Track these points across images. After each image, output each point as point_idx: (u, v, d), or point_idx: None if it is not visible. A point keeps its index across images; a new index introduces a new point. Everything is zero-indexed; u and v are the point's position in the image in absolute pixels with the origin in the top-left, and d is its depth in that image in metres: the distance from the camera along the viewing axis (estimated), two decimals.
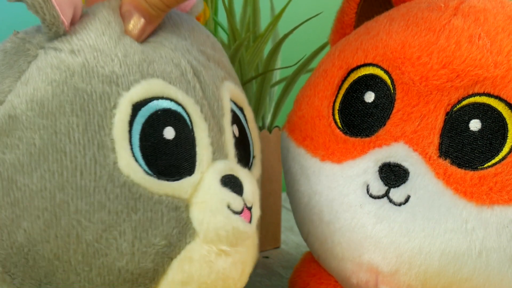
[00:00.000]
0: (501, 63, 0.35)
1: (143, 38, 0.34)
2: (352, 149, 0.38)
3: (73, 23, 0.32)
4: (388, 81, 0.38)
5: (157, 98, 0.32)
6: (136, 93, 0.31)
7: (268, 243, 0.60)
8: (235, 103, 0.38)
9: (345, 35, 0.43)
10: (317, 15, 0.53)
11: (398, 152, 0.37)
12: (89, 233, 0.31)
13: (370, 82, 0.38)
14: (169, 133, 0.32)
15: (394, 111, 0.37)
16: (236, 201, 0.34)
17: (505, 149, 0.35)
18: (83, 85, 0.31)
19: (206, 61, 0.36)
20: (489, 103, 0.35)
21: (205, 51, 0.37)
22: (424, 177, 0.36)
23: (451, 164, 0.36)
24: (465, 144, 0.35)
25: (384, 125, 0.37)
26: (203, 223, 0.33)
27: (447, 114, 0.36)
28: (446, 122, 0.36)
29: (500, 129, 0.35)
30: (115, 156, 0.31)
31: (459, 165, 0.36)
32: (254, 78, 0.55)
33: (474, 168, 0.35)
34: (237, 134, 0.37)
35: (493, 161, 0.35)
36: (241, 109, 0.39)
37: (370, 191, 0.37)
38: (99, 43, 0.31)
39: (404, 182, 0.36)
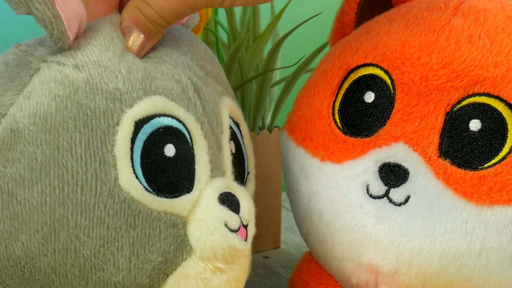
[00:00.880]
0: (501, 63, 0.35)
1: (143, 54, 0.34)
2: (352, 149, 0.38)
3: (76, 38, 0.32)
4: (388, 81, 0.38)
5: (159, 115, 0.32)
6: (140, 110, 0.31)
7: (268, 243, 0.60)
8: (232, 119, 0.38)
9: (345, 35, 0.43)
10: (317, 15, 0.53)
11: (398, 152, 0.37)
12: (87, 248, 0.31)
13: (370, 82, 0.38)
14: (169, 150, 0.32)
15: (394, 111, 0.37)
16: (233, 220, 0.34)
17: (505, 149, 0.35)
18: (87, 101, 0.30)
19: (206, 77, 0.36)
20: (489, 103, 0.35)
21: (204, 66, 0.37)
22: (424, 177, 0.36)
23: (451, 164, 0.36)
24: (465, 144, 0.35)
25: (384, 125, 0.37)
26: (200, 241, 0.33)
27: (447, 114, 0.36)
28: (446, 122, 0.36)
29: (500, 129, 0.35)
30: (116, 172, 0.31)
31: (459, 165, 0.36)
32: (254, 78, 0.55)
33: (474, 168, 0.35)
34: (233, 150, 0.37)
35: (493, 161, 0.35)
36: (237, 125, 0.39)
37: (370, 191, 0.37)
38: (103, 59, 0.31)
39: (404, 182, 0.36)
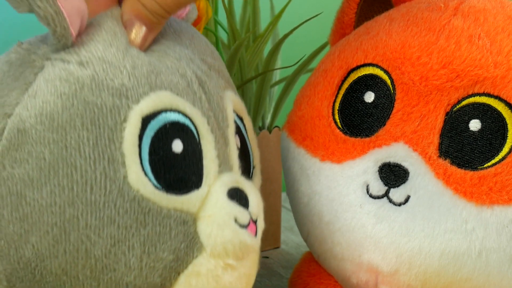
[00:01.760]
0: (501, 63, 0.35)
1: (146, 46, 0.33)
2: (352, 149, 0.38)
3: (79, 34, 0.31)
4: (388, 81, 0.38)
5: (166, 110, 0.32)
6: (146, 106, 0.31)
7: (268, 243, 0.60)
8: (235, 113, 0.38)
9: (345, 35, 0.43)
10: (317, 15, 0.53)
11: (398, 152, 0.37)
12: (98, 248, 0.30)
13: (370, 82, 0.38)
14: (177, 146, 0.32)
15: (394, 111, 0.37)
16: (243, 215, 0.33)
17: (505, 149, 0.35)
18: (93, 98, 0.30)
19: (208, 71, 0.36)
20: (489, 103, 0.35)
21: (206, 60, 0.36)
22: (424, 177, 0.36)
23: (451, 164, 0.36)
24: (465, 144, 0.35)
25: (384, 125, 0.37)
26: (211, 237, 0.32)
27: (447, 114, 0.36)
28: (446, 122, 0.36)
29: (500, 129, 0.35)
30: (125, 170, 0.30)
31: (459, 165, 0.36)
32: (254, 78, 0.55)
33: (474, 168, 0.35)
34: (239, 145, 0.37)
35: (493, 161, 0.35)
36: (241, 119, 0.38)
37: (370, 191, 0.37)
38: (107, 54, 0.31)
39: (404, 182, 0.36)
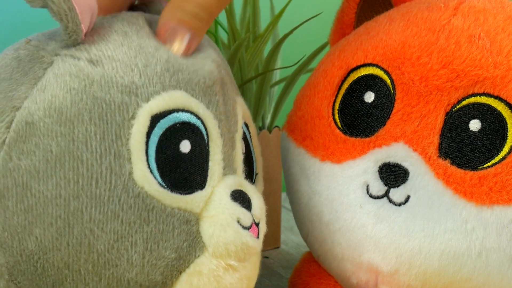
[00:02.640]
0: (501, 63, 0.35)
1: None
2: (352, 149, 0.38)
3: (88, 31, 0.32)
4: (388, 81, 0.38)
5: (178, 110, 0.32)
6: (156, 104, 0.31)
7: (268, 243, 0.60)
8: (243, 119, 0.38)
9: (345, 35, 0.43)
10: (317, 15, 0.53)
11: (398, 152, 0.37)
12: (101, 242, 0.30)
13: (370, 82, 0.38)
14: (185, 146, 0.32)
15: (394, 111, 0.37)
16: (246, 217, 0.34)
17: (505, 149, 0.35)
18: (102, 94, 0.30)
19: (227, 74, 0.36)
20: (489, 103, 0.35)
21: (222, 63, 0.37)
22: (424, 177, 0.36)
23: (451, 164, 0.36)
24: (465, 144, 0.35)
25: (384, 125, 0.37)
26: (213, 237, 0.33)
27: (447, 114, 0.36)
28: (446, 122, 0.36)
29: (500, 129, 0.35)
30: (131, 166, 0.30)
31: (459, 165, 0.36)
32: (254, 78, 0.55)
33: (474, 168, 0.35)
34: (243, 150, 0.37)
35: (493, 161, 0.35)
36: (246, 125, 0.39)
37: (370, 191, 0.37)
38: (118, 53, 0.31)
39: (404, 182, 0.36)
